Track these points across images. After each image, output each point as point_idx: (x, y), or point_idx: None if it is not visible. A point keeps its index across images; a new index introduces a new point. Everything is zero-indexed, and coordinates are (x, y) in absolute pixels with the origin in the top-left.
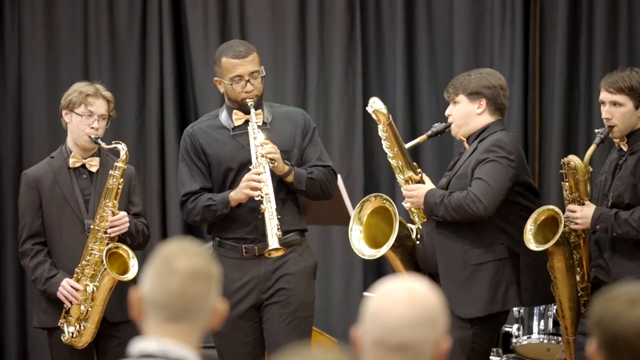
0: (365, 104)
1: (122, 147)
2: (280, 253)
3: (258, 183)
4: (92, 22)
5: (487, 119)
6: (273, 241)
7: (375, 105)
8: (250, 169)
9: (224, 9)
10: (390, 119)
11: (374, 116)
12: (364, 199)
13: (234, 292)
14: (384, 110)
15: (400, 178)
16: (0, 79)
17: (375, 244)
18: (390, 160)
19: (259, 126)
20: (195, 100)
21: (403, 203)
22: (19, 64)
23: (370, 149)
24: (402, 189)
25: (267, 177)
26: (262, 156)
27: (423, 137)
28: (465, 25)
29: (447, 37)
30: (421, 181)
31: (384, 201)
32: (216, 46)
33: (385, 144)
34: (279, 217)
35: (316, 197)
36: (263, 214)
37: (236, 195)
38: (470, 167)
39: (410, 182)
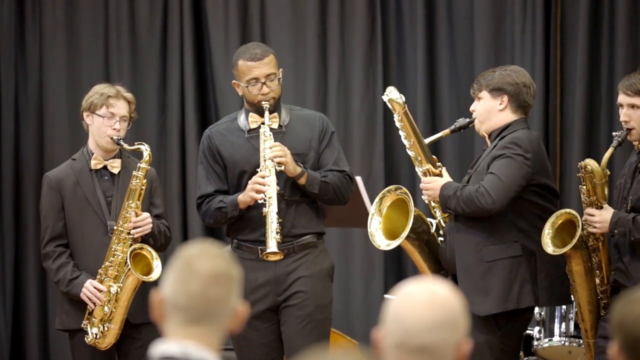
0: (386, 105)
1: (145, 149)
2: (278, 257)
3: (262, 186)
4: (113, 24)
5: (509, 116)
6: (271, 244)
7: (392, 94)
8: (258, 171)
9: (245, 11)
10: (406, 108)
11: (389, 105)
12: (384, 190)
13: (250, 293)
14: (400, 100)
15: (418, 170)
16: (22, 81)
17: (393, 236)
18: (408, 151)
19: (274, 129)
20: (216, 102)
21: (423, 196)
22: (40, 67)
23: (390, 150)
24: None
25: (272, 181)
26: (270, 159)
27: (446, 131)
28: (486, 26)
29: (467, 38)
30: (439, 175)
31: (402, 193)
32: (237, 48)
33: (402, 135)
34: (280, 220)
35: (330, 201)
36: (265, 217)
37: (243, 197)
38: (486, 163)
39: (428, 174)
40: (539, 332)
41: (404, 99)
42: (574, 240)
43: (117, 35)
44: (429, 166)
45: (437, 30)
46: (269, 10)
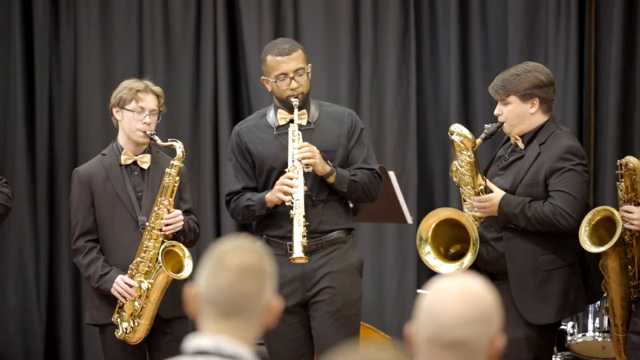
0: (420, 102)
1: (179, 146)
2: (303, 261)
3: (290, 188)
4: (147, 20)
5: (540, 117)
6: (297, 250)
7: (463, 131)
8: (286, 172)
9: (278, 7)
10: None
11: (459, 144)
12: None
13: (279, 288)
14: (470, 135)
15: (467, 190)
16: (55, 78)
17: (447, 254)
18: (462, 176)
19: (302, 126)
20: (249, 98)
21: (468, 211)
22: (74, 63)
23: (423, 147)
24: (471, 200)
25: (299, 183)
26: (298, 160)
27: (479, 140)
28: (520, 23)
29: (501, 34)
30: (487, 188)
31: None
32: None
33: (465, 168)
34: (306, 224)
35: (358, 199)
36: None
37: (270, 197)
38: (542, 175)
39: (481, 193)
40: (573, 327)
41: (471, 132)
42: (615, 238)
43: (151, 32)
44: (482, 186)
45: (470, 26)
46: (302, 6)
